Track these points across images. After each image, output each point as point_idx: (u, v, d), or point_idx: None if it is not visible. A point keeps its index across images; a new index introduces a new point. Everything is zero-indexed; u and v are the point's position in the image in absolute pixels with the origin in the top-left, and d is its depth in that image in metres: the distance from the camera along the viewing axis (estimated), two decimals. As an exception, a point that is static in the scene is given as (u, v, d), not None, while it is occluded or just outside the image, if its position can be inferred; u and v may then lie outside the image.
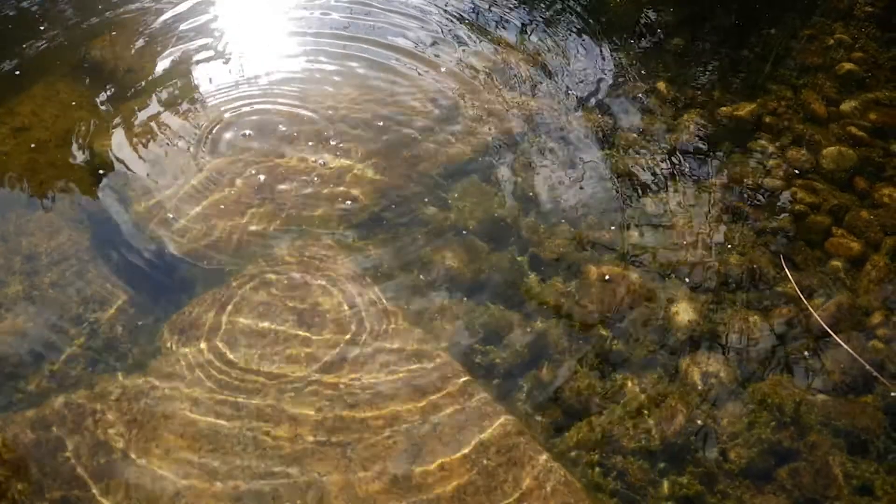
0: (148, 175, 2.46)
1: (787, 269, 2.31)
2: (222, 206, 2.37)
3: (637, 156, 2.68)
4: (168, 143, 2.57)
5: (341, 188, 2.46)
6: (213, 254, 2.24)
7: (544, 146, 2.68)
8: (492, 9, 3.36)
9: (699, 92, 2.97)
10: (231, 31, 3.10)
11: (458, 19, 3.27)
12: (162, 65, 2.90)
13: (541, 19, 3.32)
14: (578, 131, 2.75)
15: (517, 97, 2.86)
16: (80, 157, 2.51)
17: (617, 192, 2.55)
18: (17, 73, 2.79)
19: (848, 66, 3.04)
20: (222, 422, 1.86)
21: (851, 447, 1.93)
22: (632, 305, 2.20)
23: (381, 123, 2.70)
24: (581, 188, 2.55)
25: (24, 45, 2.92)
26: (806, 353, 2.12)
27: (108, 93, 2.76)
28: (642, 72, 3.06)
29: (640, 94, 2.94)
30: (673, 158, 2.68)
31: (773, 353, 2.11)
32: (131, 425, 1.84)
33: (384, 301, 2.15)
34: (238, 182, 2.45)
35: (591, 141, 2.72)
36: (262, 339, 2.03)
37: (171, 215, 2.33)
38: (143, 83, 2.81)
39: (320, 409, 1.89)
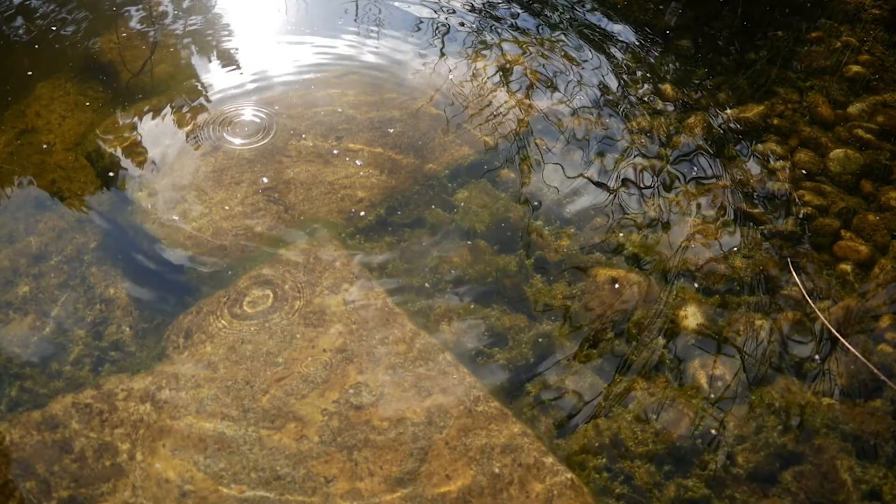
0: (155, 176, 2.47)
1: (794, 273, 2.31)
2: (227, 208, 2.37)
3: (643, 157, 2.67)
4: (175, 145, 2.58)
5: (347, 190, 2.46)
6: (218, 255, 2.25)
7: (550, 148, 2.68)
8: (497, 11, 3.36)
9: (706, 94, 2.96)
10: (240, 33, 3.11)
11: (463, 22, 3.27)
12: (170, 66, 2.91)
13: (546, 21, 3.32)
14: (584, 133, 2.75)
15: (523, 99, 2.86)
16: (87, 158, 2.52)
17: (623, 194, 2.54)
18: (30, 73, 2.81)
19: (855, 68, 3.03)
20: (228, 423, 1.86)
21: (860, 452, 1.92)
22: (638, 308, 2.20)
23: (388, 125, 2.70)
24: (587, 190, 2.54)
25: (35, 46, 2.93)
26: (813, 356, 2.11)
27: (117, 94, 2.77)
28: (648, 73, 3.05)
29: (646, 96, 2.93)
30: (679, 160, 2.68)
31: (781, 357, 2.11)
32: (137, 426, 1.84)
33: (390, 303, 2.15)
34: (244, 184, 2.45)
35: (596, 142, 2.72)
36: (267, 340, 2.03)
37: (176, 217, 2.34)
38: (151, 84, 2.82)
39: (326, 410, 1.89)
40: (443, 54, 3.05)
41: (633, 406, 1.98)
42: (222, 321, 2.07)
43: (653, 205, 2.51)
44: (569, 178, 2.59)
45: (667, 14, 3.41)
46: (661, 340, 2.13)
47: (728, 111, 2.87)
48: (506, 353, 2.08)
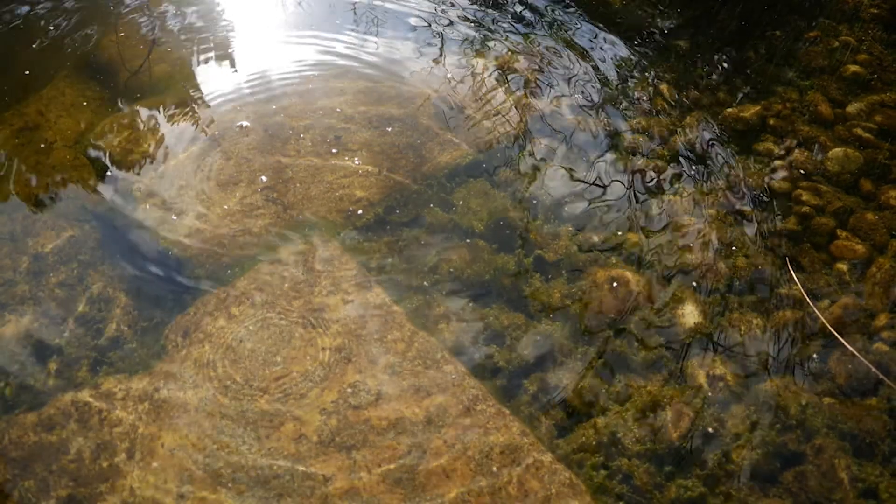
0: (153, 176, 2.47)
1: (792, 272, 2.31)
2: (226, 207, 2.37)
3: (641, 157, 2.67)
4: (173, 144, 2.58)
5: (346, 190, 2.46)
6: (217, 254, 2.25)
7: (548, 148, 2.68)
8: (495, 11, 3.37)
9: (704, 93, 2.97)
10: (238, 33, 3.11)
11: (462, 22, 3.27)
12: (168, 66, 2.91)
13: (545, 21, 3.32)
14: (582, 133, 2.75)
15: (521, 98, 2.86)
16: (85, 157, 2.52)
17: (621, 193, 2.55)
18: (27, 72, 2.80)
19: (853, 68, 3.03)
20: (227, 422, 1.86)
21: (857, 450, 1.92)
22: (637, 307, 2.20)
23: (386, 125, 2.70)
24: (586, 190, 2.55)
25: (32, 46, 2.93)
26: (811, 355, 2.11)
27: (115, 93, 2.77)
28: (646, 73, 3.05)
29: (644, 96, 2.94)
30: (677, 160, 2.68)
31: (779, 356, 2.11)
32: (136, 425, 1.84)
33: (388, 302, 2.15)
34: (243, 183, 2.46)
35: (595, 142, 2.72)
36: (266, 340, 2.03)
37: (175, 216, 2.34)
38: (150, 84, 2.82)
39: (324, 410, 1.89)
40: (441, 54, 3.05)
41: (632, 405, 1.98)
42: (221, 320, 2.07)
43: (651, 204, 2.52)
44: (567, 177, 2.59)
45: (665, 14, 3.42)
46: (660, 339, 2.13)
47: (726, 111, 2.87)
48: (504, 352, 2.08)
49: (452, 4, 3.36)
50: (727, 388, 2.03)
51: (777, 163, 2.68)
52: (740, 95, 2.96)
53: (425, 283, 2.22)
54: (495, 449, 1.85)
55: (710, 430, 1.94)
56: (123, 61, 2.91)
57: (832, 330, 2.15)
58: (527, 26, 3.27)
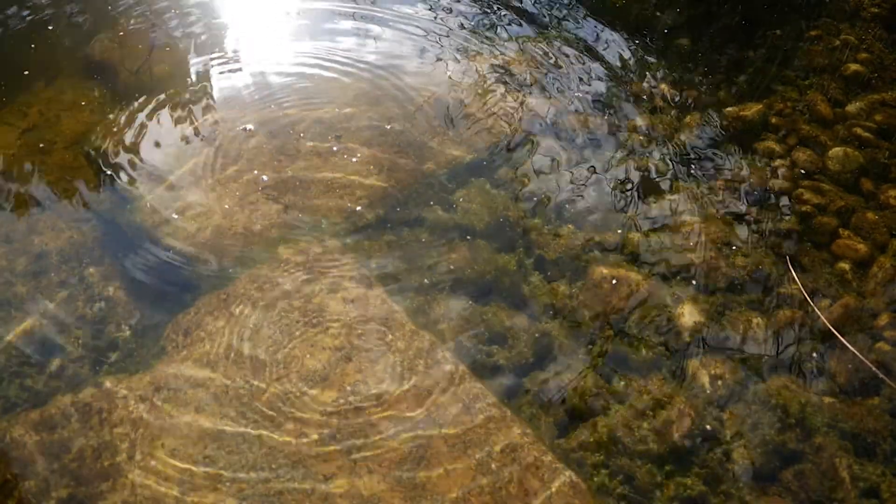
0: (153, 175, 2.47)
1: (792, 271, 2.31)
2: (227, 206, 2.37)
3: (642, 156, 2.67)
4: (173, 144, 2.58)
5: (346, 189, 2.46)
6: (217, 254, 2.25)
7: (549, 147, 2.68)
8: (495, 11, 3.36)
9: (705, 92, 2.97)
10: (238, 33, 3.11)
11: (462, 21, 3.27)
12: (168, 66, 2.91)
13: (545, 20, 3.32)
14: (583, 132, 2.75)
15: (522, 98, 2.86)
16: (86, 157, 2.52)
17: (622, 192, 2.55)
18: (26, 72, 2.81)
19: (854, 66, 3.03)
20: (227, 422, 1.86)
21: (858, 449, 1.92)
22: (637, 307, 2.20)
23: (387, 124, 2.70)
24: (586, 189, 2.55)
25: (32, 46, 2.93)
26: (812, 354, 2.11)
27: (115, 93, 2.77)
28: (647, 72, 3.05)
29: (645, 95, 2.93)
30: (678, 159, 2.68)
31: (779, 355, 2.11)
32: (137, 425, 1.84)
33: (389, 302, 2.15)
34: (243, 183, 2.46)
35: (595, 142, 2.72)
36: (266, 339, 2.03)
37: (176, 216, 2.34)
38: (150, 84, 2.82)
39: (325, 410, 1.89)
40: (441, 53, 3.05)
41: (633, 404, 1.98)
42: (221, 320, 2.07)
43: (651, 203, 2.51)
44: (567, 176, 2.59)
45: (666, 13, 3.42)
46: (660, 339, 2.13)
47: (727, 110, 2.87)
48: (505, 351, 2.08)
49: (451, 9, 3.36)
50: (727, 387, 2.03)
51: (778, 161, 2.67)
52: (741, 94, 2.95)
53: (426, 281, 2.22)
54: (496, 448, 1.85)
55: (711, 429, 1.94)
56: (123, 61, 2.91)
57: (833, 329, 2.15)
58: (528, 25, 3.27)
